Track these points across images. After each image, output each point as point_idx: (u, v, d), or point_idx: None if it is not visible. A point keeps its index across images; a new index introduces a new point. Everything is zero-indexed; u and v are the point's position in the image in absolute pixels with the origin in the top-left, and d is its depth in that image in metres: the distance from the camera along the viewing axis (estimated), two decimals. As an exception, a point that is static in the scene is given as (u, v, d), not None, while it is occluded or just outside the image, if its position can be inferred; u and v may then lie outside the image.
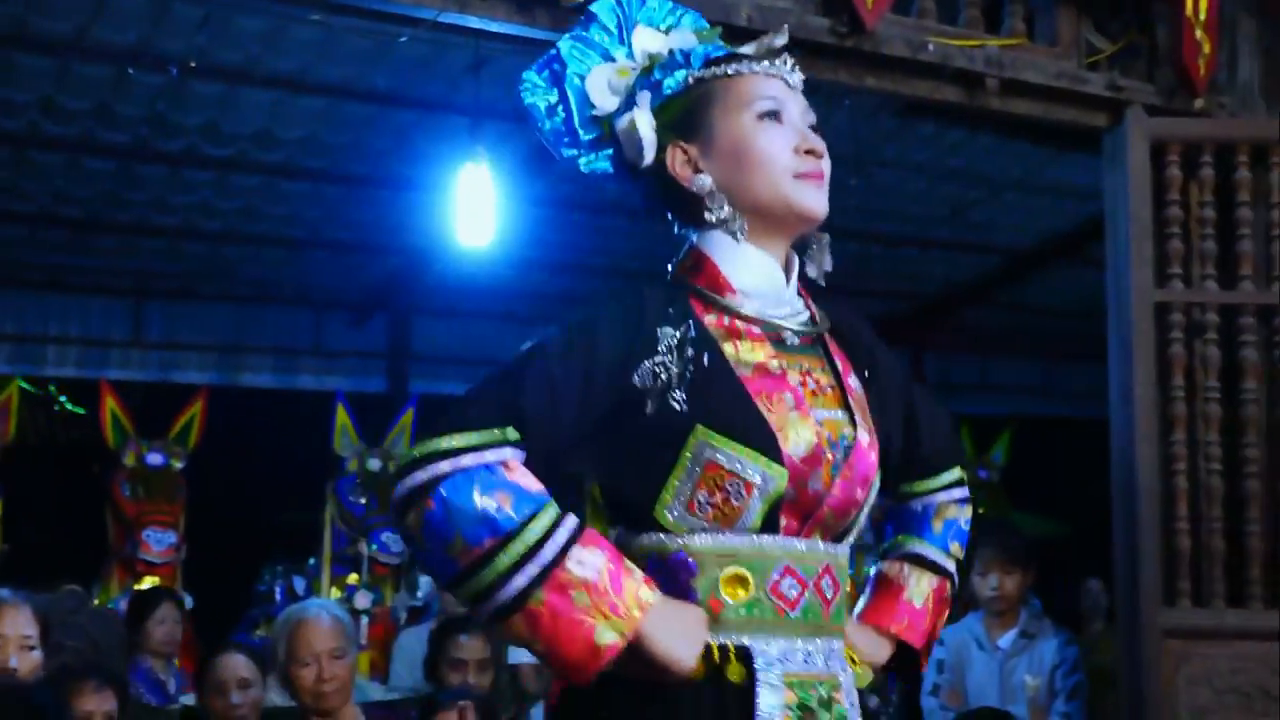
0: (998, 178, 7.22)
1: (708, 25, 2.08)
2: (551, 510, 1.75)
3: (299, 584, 6.60)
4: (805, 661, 1.87)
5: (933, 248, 8.47)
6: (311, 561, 6.79)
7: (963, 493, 2.18)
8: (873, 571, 2.17)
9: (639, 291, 1.93)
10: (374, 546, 6.28)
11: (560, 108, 2.04)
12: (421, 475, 1.75)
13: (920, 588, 2.09)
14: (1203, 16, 4.34)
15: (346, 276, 8.48)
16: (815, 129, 1.97)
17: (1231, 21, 4.56)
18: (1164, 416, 4.32)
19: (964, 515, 2.16)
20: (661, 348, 1.86)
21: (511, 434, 1.77)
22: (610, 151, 2.04)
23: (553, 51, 2.05)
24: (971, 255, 8.63)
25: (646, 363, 1.84)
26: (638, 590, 1.75)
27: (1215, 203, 4.38)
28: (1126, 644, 4.37)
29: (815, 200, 1.92)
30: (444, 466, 1.75)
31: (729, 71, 1.97)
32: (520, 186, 6.58)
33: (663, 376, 1.84)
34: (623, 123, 1.98)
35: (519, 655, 5.48)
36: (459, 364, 8.86)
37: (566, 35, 2.06)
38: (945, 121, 5.73)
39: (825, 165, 1.93)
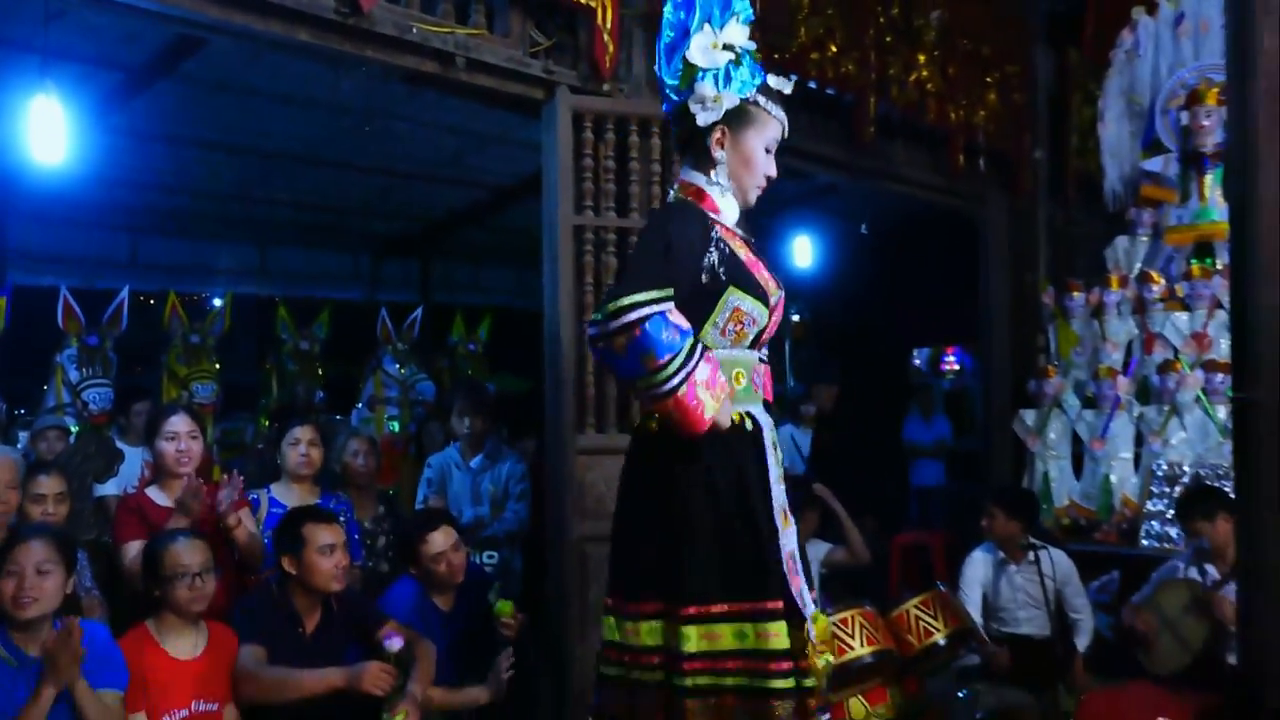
0: (486, 133, 7.30)
1: (753, 17, 2.48)
2: (692, 338, 2.29)
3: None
4: (769, 420, 2.51)
5: (438, 183, 8.41)
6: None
7: None
8: None
9: (693, 209, 2.46)
10: (-31, 403, 5.67)
11: (673, 36, 2.45)
12: (634, 315, 2.24)
13: (762, 371, 2.65)
14: (609, 26, 4.54)
15: (-53, 186, 7.44)
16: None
17: (629, 32, 4.78)
18: (578, 305, 4.54)
19: None
20: (711, 242, 2.40)
21: (670, 293, 2.29)
22: (679, 87, 2.46)
23: None
24: (467, 189, 8.66)
25: (707, 250, 2.38)
26: (723, 385, 2.33)
27: (615, 157, 4.61)
28: (552, 458, 4.61)
29: (755, 198, 2.56)
30: (646, 310, 2.24)
31: (769, 110, 2.48)
32: (99, 118, 6.01)
33: (713, 259, 2.38)
34: (708, 89, 2.41)
35: (105, 489, 5.15)
36: (53, 261, 8.02)
37: None
38: (445, 89, 5.70)
39: (773, 177, 2.56)
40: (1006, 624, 4.92)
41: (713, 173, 2.48)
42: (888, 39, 6.23)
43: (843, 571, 5.08)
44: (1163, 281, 6.02)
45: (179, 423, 3.90)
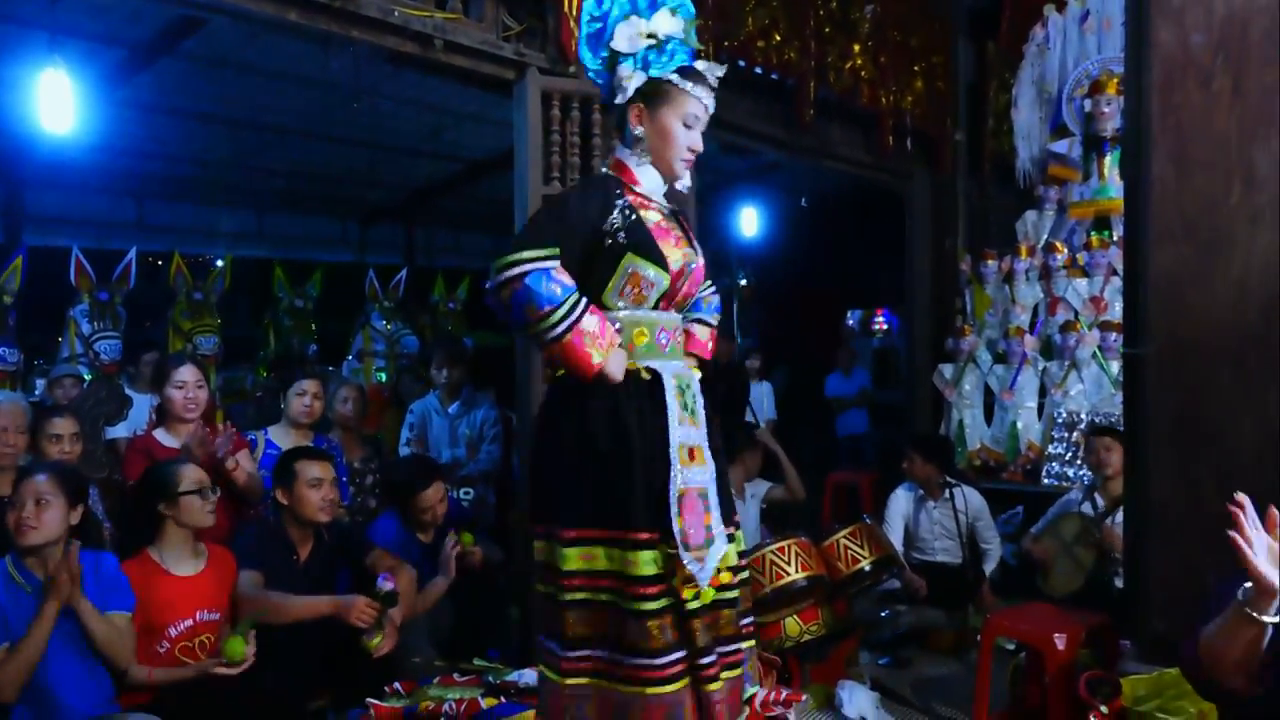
0: (462, 111, 7.19)
1: (693, 13, 2.39)
2: (577, 293, 2.22)
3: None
4: (677, 370, 2.38)
5: (419, 156, 8.29)
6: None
7: (713, 288, 2.69)
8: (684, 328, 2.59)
9: (604, 180, 2.38)
10: (-3, 356, 5.51)
11: (600, 27, 2.36)
12: (515, 270, 2.18)
13: (703, 333, 2.65)
14: (574, 13, 4.42)
15: (-35, 154, 7.18)
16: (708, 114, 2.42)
17: (594, 19, 4.71)
18: (547, 266, 4.49)
19: (715, 299, 2.71)
20: (615, 210, 2.30)
21: (555, 252, 2.21)
22: (603, 70, 2.39)
23: None
24: (446, 162, 8.54)
25: (609, 217, 2.29)
26: (611, 338, 2.26)
27: (579, 133, 4.51)
28: (520, 404, 4.52)
29: (682, 171, 2.43)
30: (528, 266, 2.18)
31: (684, 88, 2.35)
32: (105, 92, 5.82)
33: (615, 225, 2.28)
34: (625, 72, 2.33)
35: (115, 432, 5.05)
36: (65, 224, 7.81)
37: None
38: (426, 70, 5.57)
39: (698, 150, 2.41)
40: (924, 553, 4.98)
41: (637, 147, 2.39)
42: (826, 29, 6.18)
43: (782, 507, 5.12)
44: (1066, 251, 6.07)
45: (186, 373, 3.82)
